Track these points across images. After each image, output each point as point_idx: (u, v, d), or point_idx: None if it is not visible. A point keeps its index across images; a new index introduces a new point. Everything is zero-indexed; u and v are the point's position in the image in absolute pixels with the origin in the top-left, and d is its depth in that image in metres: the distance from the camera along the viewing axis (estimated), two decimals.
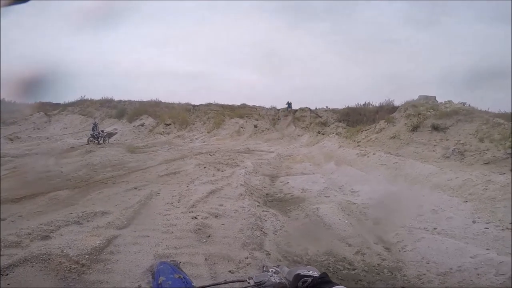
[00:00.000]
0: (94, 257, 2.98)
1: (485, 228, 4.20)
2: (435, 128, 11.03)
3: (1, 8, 0.92)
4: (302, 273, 0.92)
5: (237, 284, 0.92)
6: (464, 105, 12.15)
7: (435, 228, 4.34)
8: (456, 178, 6.49)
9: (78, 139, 15.75)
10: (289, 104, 20.28)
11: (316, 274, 0.92)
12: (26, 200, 5.09)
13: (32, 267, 2.73)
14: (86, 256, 2.95)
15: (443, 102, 12.90)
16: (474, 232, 4.13)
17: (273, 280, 0.91)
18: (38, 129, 18.53)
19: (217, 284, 0.95)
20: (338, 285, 0.84)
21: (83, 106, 21.79)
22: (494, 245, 3.64)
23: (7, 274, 2.60)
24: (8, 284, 2.48)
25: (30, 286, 2.49)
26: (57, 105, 22.11)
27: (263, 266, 1.02)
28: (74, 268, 2.76)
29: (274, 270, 0.97)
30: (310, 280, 0.87)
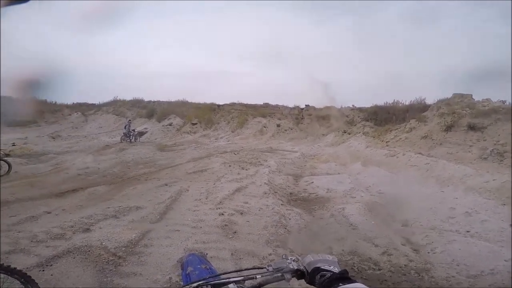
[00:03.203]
0: (130, 250, 3.19)
1: None
2: (471, 127, 10.37)
3: (1, 8, 0.95)
4: (322, 267, 0.91)
5: (257, 271, 0.93)
6: (504, 103, 11.31)
7: (468, 231, 4.16)
8: (494, 180, 6.10)
9: (112, 138, 16.71)
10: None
11: (336, 269, 0.90)
12: (68, 194, 5.54)
13: (74, 258, 2.96)
14: (123, 249, 3.18)
15: (481, 100, 12.10)
16: (510, 235, 3.90)
17: (291, 267, 0.93)
18: (76, 128, 19.92)
19: (238, 271, 0.98)
20: (356, 282, 0.81)
21: (116, 106, 23.12)
22: None
23: (51, 265, 2.81)
24: (52, 275, 2.67)
25: (71, 277, 2.66)
26: (93, 106, 23.69)
27: (283, 255, 1.00)
28: (112, 260, 2.96)
29: (293, 258, 0.97)
30: (329, 275, 0.86)
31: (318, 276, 0.88)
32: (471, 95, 12.42)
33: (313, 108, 20.01)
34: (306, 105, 20.50)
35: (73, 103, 23.61)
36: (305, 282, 0.94)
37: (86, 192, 5.70)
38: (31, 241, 3.31)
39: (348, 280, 0.83)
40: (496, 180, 6.08)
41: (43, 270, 2.73)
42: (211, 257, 3.06)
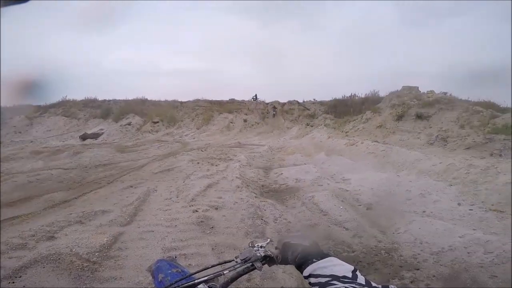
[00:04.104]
0: (104, 254, 3.02)
1: (469, 209, 4.42)
2: (419, 116, 11.52)
3: (1, 8, 0.91)
4: (292, 242, 0.91)
5: (226, 265, 0.92)
6: (445, 94, 12.67)
7: (424, 211, 4.52)
8: (440, 163, 6.72)
9: (63, 141, 15.37)
10: (255, 97, 21.56)
11: (306, 243, 0.90)
12: (21, 203, 5.04)
13: (44, 267, 2.74)
14: (96, 254, 3.00)
15: (426, 92, 13.40)
16: (460, 213, 4.34)
17: (258, 255, 0.93)
18: (20, 132, 17.91)
19: (206, 269, 0.97)
20: (329, 256, 0.84)
21: (65, 107, 21.12)
22: (479, 226, 3.85)
23: (20, 276, 2.59)
24: (24, 286, 2.47)
25: (46, 287, 2.49)
26: (38, 107, 21.32)
27: (249, 243, 0.99)
28: (87, 266, 2.79)
29: (260, 245, 0.96)
30: (300, 249, 0.87)
31: (290, 253, 0.89)
32: (418, 87, 13.68)
33: (277, 102, 20.42)
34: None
35: (14, 105, 21.10)
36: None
37: (42, 199, 5.22)
38: None
39: (321, 254, 0.85)
40: (442, 163, 6.74)
41: (13, 282, 2.50)
42: (192, 254, 3.05)
